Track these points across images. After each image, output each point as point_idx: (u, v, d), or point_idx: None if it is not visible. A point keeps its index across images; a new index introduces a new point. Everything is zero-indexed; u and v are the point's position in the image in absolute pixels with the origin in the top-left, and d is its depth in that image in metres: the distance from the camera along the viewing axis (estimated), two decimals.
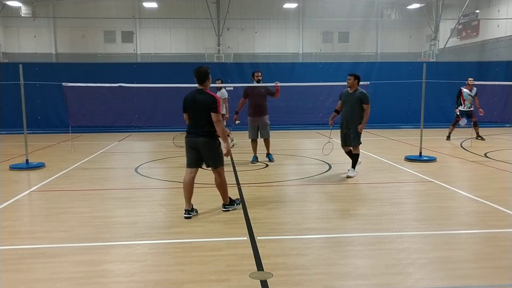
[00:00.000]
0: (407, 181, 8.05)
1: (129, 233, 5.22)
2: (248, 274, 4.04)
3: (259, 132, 9.58)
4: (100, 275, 4.11)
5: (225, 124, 8.27)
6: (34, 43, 32.45)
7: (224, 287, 3.83)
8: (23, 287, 3.88)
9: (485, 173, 8.64)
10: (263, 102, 9.51)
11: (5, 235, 5.21)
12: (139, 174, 8.79)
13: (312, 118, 16.74)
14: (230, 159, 10.24)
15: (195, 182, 5.87)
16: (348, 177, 8.12)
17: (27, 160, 9.36)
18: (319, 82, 14.00)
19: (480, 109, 12.68)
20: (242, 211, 6.06)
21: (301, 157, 10.53)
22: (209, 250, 4.66)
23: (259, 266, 4.21)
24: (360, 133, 8.05)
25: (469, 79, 12.81)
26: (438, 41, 31.56)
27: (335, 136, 8.65)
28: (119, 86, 10.47)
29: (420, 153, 9.91)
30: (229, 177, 8.24)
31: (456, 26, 30.54)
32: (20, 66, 9.37)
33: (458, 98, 12.93)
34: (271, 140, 9.89)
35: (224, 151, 5.82)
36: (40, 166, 9.35)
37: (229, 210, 5.98)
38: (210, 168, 5.93)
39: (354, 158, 8.25)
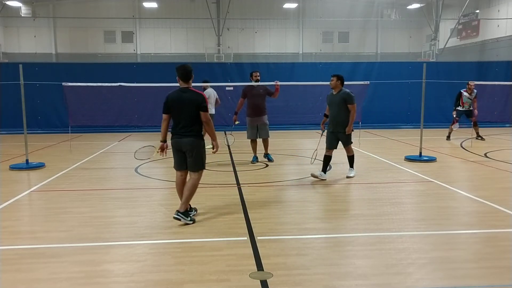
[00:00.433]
0: (407, 181, 8.05)
1: (129, 233, 5.22)
2: (248, 274, 4.04)
3: (258, 132, 9.58)
4: (100, 275, 4.11)
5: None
6: (34, 43, 32.46)
7: (224, 287, 3.83)
8: (23, 287, 3.88)
9: (485, 173, 8.64)
10: (262, 103, 9.50)
11: (5, 235, 5.21)
12: (139, 174, 8.79)
13: (312, 118, 16.71)
14: (230, 159, 10.25)
15: None
16: (348, 177, 8.09)
17: (27, 160, 9.37)
18: (319, 82, 14.05)
19: (476, 110, 12.68)
20: (242, 211, 6.06)
21: (301, 157, 10.52)
22: (209, 250, 4.66)
23: (259, 266, 4.21)
24: (350, 134, 7.91)
25: (470, 83, 12.78)
26: (438, 41, 31.56)
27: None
28: (119, 86, 10.47)
29: (420, 153, 9.91)
30: (229, 177, 8.28)
31: (456, 26, 30.54)
32: (20, 66, 9.37)
33: (457, 100, 12.93)
34: (271, 140, 9.89)
35: (214, 149, 5.67)
36: (40, 166, 9.35)
37: (180, 220, 5.42)
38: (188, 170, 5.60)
39: (350, 159, 8.18)
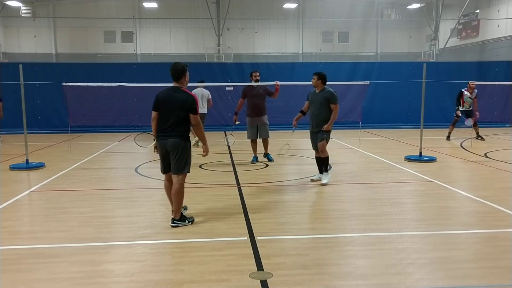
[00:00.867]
0: (407, 181, 8.05)
1: (129, 233, 5.22)
2: (248, 274, 4.04)
3: (258, 132, 9.59)
4: (100, 275, 4.11)
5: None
6: (34, 43, 32.46)
7: (224, 287, 3.83)
8: (23, 287, 3.88)
9: (485, 173, 8.64)
10: (262, 103, 9.51)
11: (5, 235, 5.21)
12: (139, 174, 8.79)
13: None
14: (230, 159, 10.25)
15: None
16: (323, 184, 7.53)
17: (27, 160, 9.36)
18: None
19: (477, 112, 12.70)
20: (242, 211, 6.06)
21: (301, 157, 10.52)
22: (209, 250, 4.66)
23: (259, 266, 4.21)
24: (328, 131, 7.49)
25: (471, 82, 12.80)
26: (438, 41, 31.56)
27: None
28: (119, 86, 10.47)
29: (420, 153, 9.90)
30: (229, 177, 8.27)
31: (456, 26, 30.54)
32: (20, 66, 9.37)
33: (459, 99, 12.93)
34: (271, 140, 9.89)
35: (204, 153, 5.48)
36: (40, 166, 9.34)
37: (178, 226, 5.35)
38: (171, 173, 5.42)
39: (324, 161, 7.62)
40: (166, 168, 5.47)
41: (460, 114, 12.82)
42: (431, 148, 11.27)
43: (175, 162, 5.30)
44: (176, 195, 5.36)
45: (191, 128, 5.45)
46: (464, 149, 11.63)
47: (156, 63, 25.65)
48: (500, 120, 16.87)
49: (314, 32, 34.47)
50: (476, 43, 29.70)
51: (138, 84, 13.44)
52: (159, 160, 5.53)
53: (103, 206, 6.46)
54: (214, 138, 13.51)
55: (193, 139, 12.35)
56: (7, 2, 28.40)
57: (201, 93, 11.89)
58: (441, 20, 30.79)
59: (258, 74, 9.67)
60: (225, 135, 10.42)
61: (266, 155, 9.86)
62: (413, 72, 16.24)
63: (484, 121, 14.59)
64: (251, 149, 9.78)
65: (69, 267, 4.25)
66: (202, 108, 12.01)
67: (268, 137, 9.71)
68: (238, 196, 6.83)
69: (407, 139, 13.38)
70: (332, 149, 8.97)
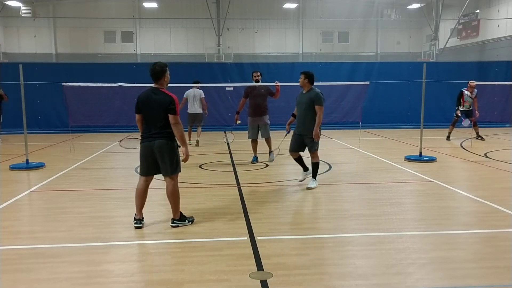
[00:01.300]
0: (407, 181, 8.05)
1: (129, 233, 5.22)
2: (248, 274, 4.04)
3: (259, 132, 9.60)
4: (100, 275, 4.11)
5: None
6: (34, 43, 32.45)
7: (224, 287, 3.83)
8: (23, 287, 3.88)
9: (485, 173, 8.64)
10: (263, 102, 9.53)
11: (5, 235, 5.21)
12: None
13: None
14: (230, 159, 10.25)
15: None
16: (308, 188, 7.23)
17: (27, 160, 9.36)
18: (319, 82, 14.03)
19: (477, 111, 12.71)
20: (242, 211, 6.06)
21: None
22: (209, 250, 4.66)
23: (259, 266, 4.21)
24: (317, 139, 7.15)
25: (471, 81, 12.80)
26: (438, 41, 31.56)
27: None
28: (119, 86, 10.47)
29: (420, 153, 9.90)
30: (229, 177, 8.27)
31: (456, 26, 30.54)
32: (20, 66, 9.36)
33: (459, 99, 12.93)
34: (272, 140, 9.89)
35: (182, 156, 5.30)
36: (40, 166, 9.34)
37: (178, 226, 5.34)
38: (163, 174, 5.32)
39: (314, 167, 7.34)
40: (147, 171, 5.36)
41: (460, 114, 12.83)
42: (431, 148, 11.27)
43: (167, 165, 5.23)
44: (172, 196, 5.34)
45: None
46: (464, 149, 11.63)
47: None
48: (500, 120, 16.87)
49: (314, 32, 34.47)
50: (476, 43, 29.70)
51: (138, 84, 13.40)
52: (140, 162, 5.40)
53: (103, 206, 6.46)
54: (214, 138, 13.54)
55: (193, 139, 12.39)
56: (7, 2, 28.40)
57: (193, 93, 11.89)
58: (441, 20, 30.79)
59: (259, 74, 9.68)
60: (225, 134, 10.42)
61: (270, 153, 9.87)
62: (413, 72, 16.25)
63: (484, 121, 14.59)
64: (251, 149, 9.78)
65: (69, 267, 4.25)
66: (195, 108, 12.03)
67: (269, 136, 9.72)
68: (238, 196, 6.83)
69: (407, 139, 13.38)
70: (332, 149, 8.98)
